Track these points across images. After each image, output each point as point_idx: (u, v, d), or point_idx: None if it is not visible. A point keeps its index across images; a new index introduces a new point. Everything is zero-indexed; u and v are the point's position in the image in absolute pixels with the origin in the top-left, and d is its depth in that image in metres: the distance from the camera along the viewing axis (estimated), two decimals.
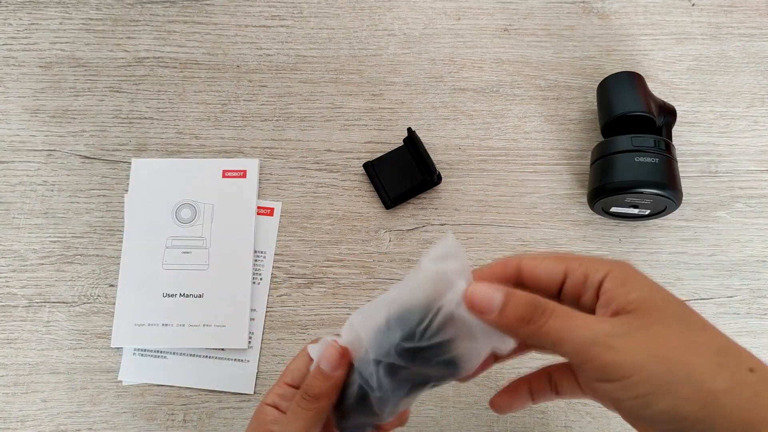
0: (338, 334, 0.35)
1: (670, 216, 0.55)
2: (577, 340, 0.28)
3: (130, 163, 0.57)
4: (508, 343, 0.31)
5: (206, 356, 0.53)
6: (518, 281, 0.33)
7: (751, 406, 0.26)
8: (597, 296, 0.30)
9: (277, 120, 0.58)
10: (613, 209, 0.54)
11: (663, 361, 0.27)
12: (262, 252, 0.55)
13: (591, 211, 0.56)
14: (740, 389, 0.27)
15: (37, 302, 0.54)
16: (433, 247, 0.31)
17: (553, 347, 0.29)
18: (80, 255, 0.55)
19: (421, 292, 0.31)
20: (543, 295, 0.30)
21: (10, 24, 0.61)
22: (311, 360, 0.36)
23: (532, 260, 0.32)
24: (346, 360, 0.34)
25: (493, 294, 0.29)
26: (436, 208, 0.56)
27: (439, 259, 0.31)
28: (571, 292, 0.31)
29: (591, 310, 0.30)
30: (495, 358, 0.36)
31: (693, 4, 0.62)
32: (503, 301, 0.29)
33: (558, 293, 0.32)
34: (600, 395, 0.34)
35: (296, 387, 0.38)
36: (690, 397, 0.26)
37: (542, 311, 0.29)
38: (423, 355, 0.31)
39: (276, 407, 0.37)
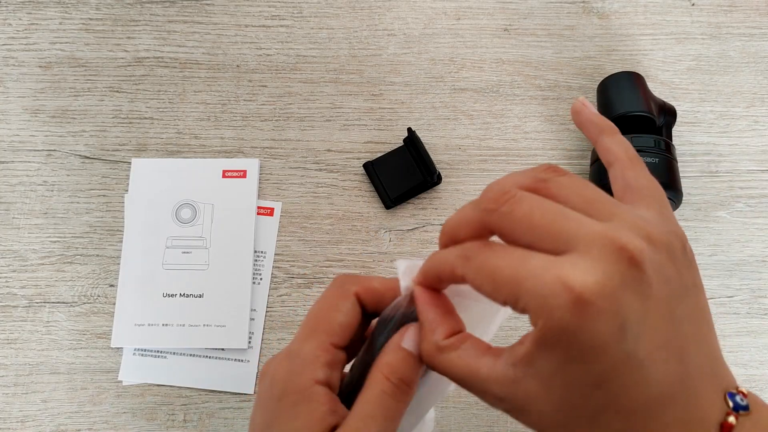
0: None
1: None
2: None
3: (130, 163, 0.57)
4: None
5: (206, 356, 0.53)
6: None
7: None
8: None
9: (277, 120, 0.58)
10: None
11: None
12: (262, 252, 0.55)
13: None
14: None
15: (37, 302, 0.54)
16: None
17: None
18: (80, 255, 0.55)
19: None
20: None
21: (10, 24, 0.61)
22: (359, 305, 0.28)
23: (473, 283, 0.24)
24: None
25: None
26: (436, 208, 0.56)
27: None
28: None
29: None
30: None
31: (693, 4, 0.62)
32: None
33: None
34: None
35: (345, 349, 0.28)
36: None
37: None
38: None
39: (328, 385, 0.26)
